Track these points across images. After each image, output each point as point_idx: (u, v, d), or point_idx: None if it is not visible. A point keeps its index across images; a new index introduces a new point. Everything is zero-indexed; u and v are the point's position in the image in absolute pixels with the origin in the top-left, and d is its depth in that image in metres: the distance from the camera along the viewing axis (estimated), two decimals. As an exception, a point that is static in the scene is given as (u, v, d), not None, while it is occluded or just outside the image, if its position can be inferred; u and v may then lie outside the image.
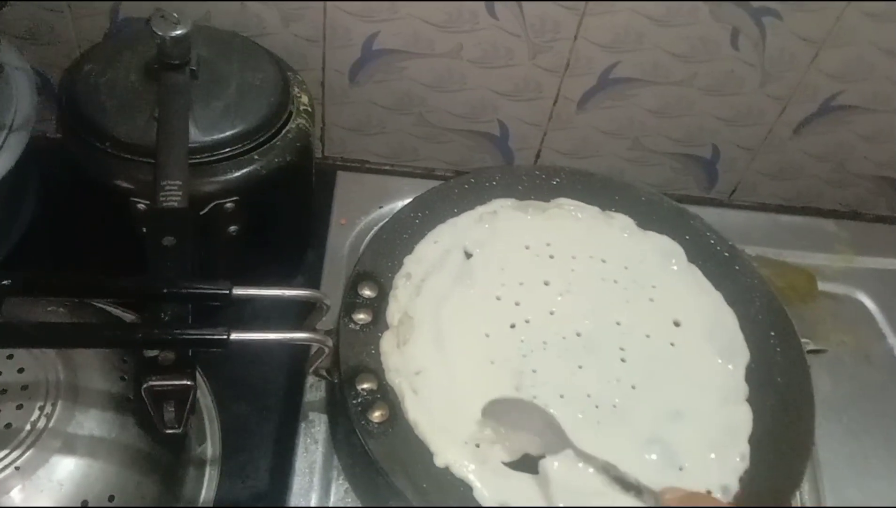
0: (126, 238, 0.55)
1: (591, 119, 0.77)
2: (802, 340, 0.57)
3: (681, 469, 0.48)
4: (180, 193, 0.52)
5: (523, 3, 0.66)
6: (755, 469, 0.49)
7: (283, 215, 0.65)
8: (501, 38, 0.69)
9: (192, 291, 0.44)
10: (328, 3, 0.66)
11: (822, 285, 0.67)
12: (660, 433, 0.48)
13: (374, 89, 0.73)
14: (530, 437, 0.49)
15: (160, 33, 0.56)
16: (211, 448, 0.56)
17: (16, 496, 0.44)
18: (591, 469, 0.47)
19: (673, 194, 0.83)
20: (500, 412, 0.49)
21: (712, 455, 0.49)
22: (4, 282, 0.40)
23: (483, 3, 0.66)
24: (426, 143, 0.79)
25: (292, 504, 0.49)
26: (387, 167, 0.80)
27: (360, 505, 0.49)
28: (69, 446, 0.46)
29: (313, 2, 0.66)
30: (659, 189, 0.83)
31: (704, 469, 0.48)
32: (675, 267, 0.57)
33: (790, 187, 0.85)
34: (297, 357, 0.55)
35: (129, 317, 0.56)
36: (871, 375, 0.62)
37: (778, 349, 0.55)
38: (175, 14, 0.56)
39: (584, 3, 0.66)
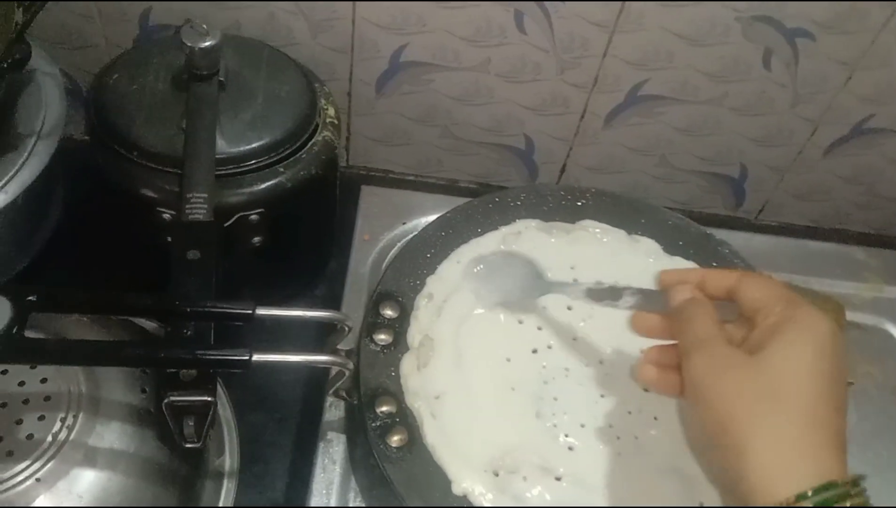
0: (151, 247, 0.56)
1: (618, 135, 0.76)
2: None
3: (700, 503, 0.47)
4: (206, 206, 0.53)
5: (553, 19, 0.66)
6: (777, 505, 0.48)
7: (307, 226, 0.65)
8: (530, 53, 0.69)
9: (215, 310, 0.44)
10: (357, 14, 0.66)
11: (850, 315, 0.65)
12: (680, 466, 0.48)
13: (400, 101, 0.73)
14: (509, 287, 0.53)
15: (189, 44, 0.56)
16: (229, 459, 0.56)
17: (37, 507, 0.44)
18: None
19: (699, 213, 0.83)
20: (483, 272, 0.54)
21: (733, 491, 0.48)
22: (30, 298, 0.40)
23: (512, 17, 0.66)
24: (451, 155, 0.79)
25: (309, 525, 0.49)
26: (410, 178, 0.80)
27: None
28: (90, 458, 0.47)
29: (341, 12, 0.66)
30: (684, 207, 0.83)
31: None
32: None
33: (818, 209, 0.84)
34: (317, 368, 0.54)
35: (152, 326, 0.56)
36: (897, 408, 0.61)
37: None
38: (205, 25, 0.56)
39: (614, 19, 0.66)
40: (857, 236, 0.84)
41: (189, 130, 0.56)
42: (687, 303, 0.43)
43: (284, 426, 0.60)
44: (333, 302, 0.62)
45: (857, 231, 0.86)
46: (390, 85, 0.72)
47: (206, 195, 0.53)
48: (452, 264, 0.56)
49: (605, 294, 0.49)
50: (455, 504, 0.46)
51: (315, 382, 0.58)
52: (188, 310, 0.43)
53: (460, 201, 0.61)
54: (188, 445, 0.47)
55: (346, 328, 0.46)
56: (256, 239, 0.59)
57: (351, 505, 0.50)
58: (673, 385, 0.42)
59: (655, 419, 0.50)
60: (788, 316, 0.39)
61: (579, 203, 0.61)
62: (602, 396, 0.51)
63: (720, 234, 0.64)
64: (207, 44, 0.57)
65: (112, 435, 0.48)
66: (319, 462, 0.51)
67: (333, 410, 0.53)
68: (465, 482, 0.46)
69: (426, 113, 0.74)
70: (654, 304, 0.46)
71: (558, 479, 0.47)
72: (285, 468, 0.58)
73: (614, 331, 0.54)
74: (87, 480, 0.46)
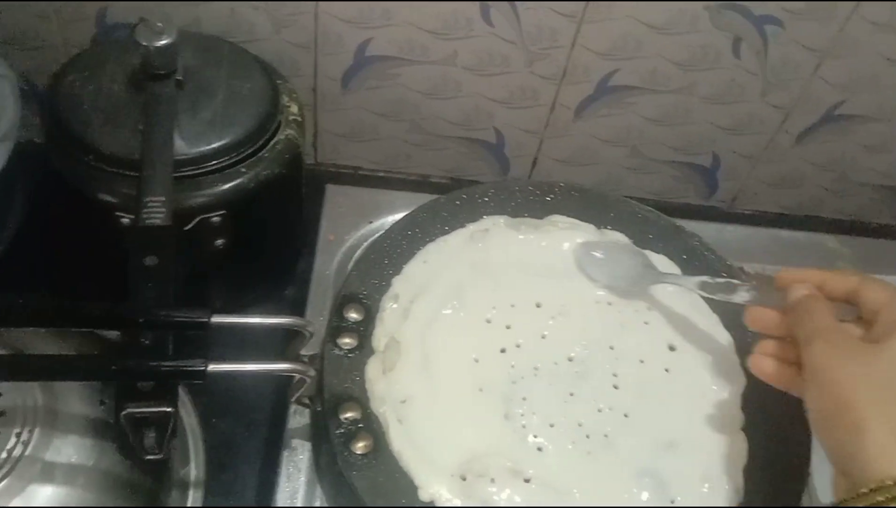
0: (111, 253, 0.54)
1: (589, 127, 0.75)
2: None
3: (672, 502, 0.47)
4: (164, 210, 0.51)
5: (519, 10, 0.65)
6: (749, 499, 0.48)
7: (272, 227, 0.64)
8: (497, 46, 0.68)
9: (169, 319, 0.43)
10: (320, 9, 0.65)
11: (822, 304, 0.65)
12: (652, 465, 0.47)
13: (367, 96, 0.72)
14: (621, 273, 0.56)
15: (144, 43, 0.55)
16: (195, 469, 0.55)
17: (-9, 525, 0.43)
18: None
19: (672, 203, 0.82)
20: (599, 259, 0.57)
21: (705, 488, 0.48)
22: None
23: (478, 9, 0.65)
24: (420, 150, 0.77)
25: (274, 534, 0.48)
26: (380, 174, 0.79)
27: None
28: (47, 473, 0.45)
29: (304, 6, 0.64)
30: (658, 197, 0.82)
31: (697, 501, 0.47)
32: (671, 288, 0.56)
33: (791, 196, 0.83)
34: (286, 379, 0.53)
35: (113, 334, 0.55)
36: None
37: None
38: (160, 23, 0.55)
39: (581, 9, 0.65)
40: (830, 223, 0.84)
41: (146, 131, 0.54)
42: (806, 297, 0.45)
43: (253, 433, 0.59)
44: (302, 304, 0.60)
45: (831, 218, 0.85)
46: (356, 80, 0.70)
47: (163, 199, 0.51)
48: (419, 263, 0.55)
49: (719, 288, 0.51)
50: (422, 510, 0.45)
51: (283, 387, 0.57)
52: (141, 320, 0.42)
53: (427, 197, 0.60)
54: (149, 457, 0.46)
55: (308, 334, 0.45)
56: (220, 241, 0.58)
57: (317, 513, 0.49)
58: (788, 379, 0.45)
59: (626, 416, 0.50)
60: None
61: (548, 198, 0.60)
62: (571, 394, 0.50)
63: (693, 224, 0.63)
64: (163, 42, 0.55)
65: (70, 449, 0.47)
66: (284, 470, 0.50)
67: (298, 417, 0.52)
68: (431, 487, 0.46)
69: (394, 108, 0.73)
70: (768, 300, 0.48)
71: (527, 481, 0.46)
72: (254, 475, 0.57)
73: (583, 329, 0.54)
74: (44, 495, 0.45)
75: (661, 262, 0.58)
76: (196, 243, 0.57)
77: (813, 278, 0.47)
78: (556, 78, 0.71)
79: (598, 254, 0.57)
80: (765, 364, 0.47)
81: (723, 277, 0.54)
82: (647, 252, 0.58)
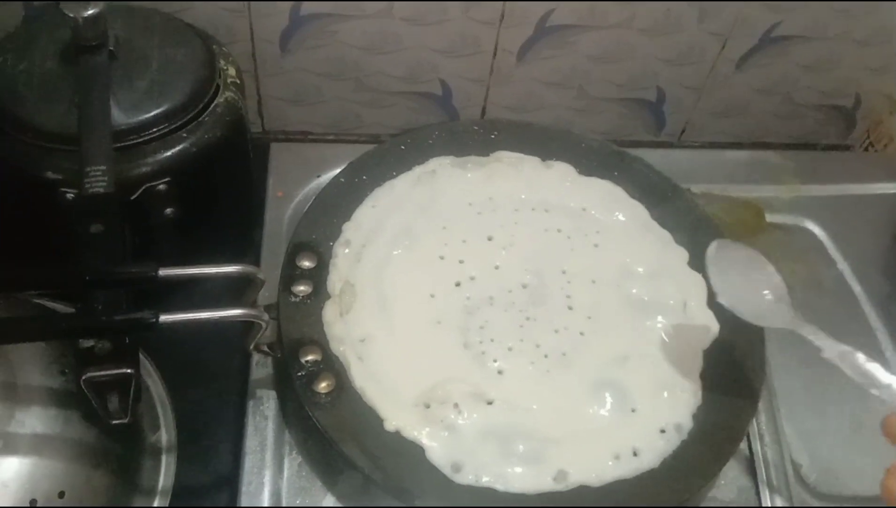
0: (60, 229, 0.54)
1: (533, 71, 0.76)
2: (752, 272, 0.57)
3: (633, 410, 0.48)
4: (105, 178, 0.51)
5: (449, -46, 0.65)
6: (707, 404, 0.49)
7: (222, 193, 0.63)
8: (432, -7, 0.68)
9: (117, 277, 0.42)
10: (247, -30, 0.64)
11: (771, 217, 0.67)
12: (609, 377, 0.48)
13: (307, 57, 0.71)
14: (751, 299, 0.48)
15: (72, 15, 0.54)
16: (166, 435, 0.55)
17: (-43, 501, 0.43)
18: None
19: (623, 140, 0.83)
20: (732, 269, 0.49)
21: (664, 394, 0.49)
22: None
23: (408, -42, 0.65)
24: (368, 108, 0.77)
25: (245, 483, 0.48)
26: (330, 137, 0.79)
27: (314, 482, 0.48)
28: (11, 446, 0.45)
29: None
30: (608, 136, 0.83)
31: (657, 408, 0.48)
32: (618, 211, 0.57)
33: (739, 124, 0.84)
34: (251, 334, 0.53)
35: (67, 310, 0.55)
36: (824, 302, 0.62)
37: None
38: (87, -7, 0.54)
39: (512, -50, 0.65)
40: (778, 148, 0.86)
41: (82, 103, 0.54)
42: None
43: (225, 397, 0.59)
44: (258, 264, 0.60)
45: (779, 143, 0.87)
46: (294, 41, 0.70)
47: (104, 167, 0.51)
48: (368, 208, 0.55)
49: (862, 373, 0.45)
50: (389, 442, 0.46)
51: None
52: (87, 279, 0.42)
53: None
54: (115, 421, 0.46)
55: (259, 281, 0.45)
56: (169, 210, 0.58)
57: (286, 460, 0.49)
58: None
59: (582, 334, 0.51)
60: None
61: (492, 136, 0.61)
62: (528, 319, 0.51)
63: (644, 153, 0.64)
64: (90, 12, 0.54)
65: (33, 420, 0.47)
66: (251, 420, 0.51)
67: (261, 368, 0.53)
68: (396, 418, 0.46)
69: (336, 67, 0.73)
70: None
71: (490, 403, 0.47)
72: (229, 435, 0.57)
73: (535, 256, 0.54)
74: (11, 468, 0.45)
75: (607, 187, 0.58)
76: (145, 213, 0.57)
77: None
78: (494, 22, 0.71)
79: (726, 263, 0.49)
80: None
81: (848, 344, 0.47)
82: (594, 179, 0.59)
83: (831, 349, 0.46)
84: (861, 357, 0.45)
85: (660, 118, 0.83)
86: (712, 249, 0.49)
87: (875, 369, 0.44)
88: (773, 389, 0.56)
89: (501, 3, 0.69)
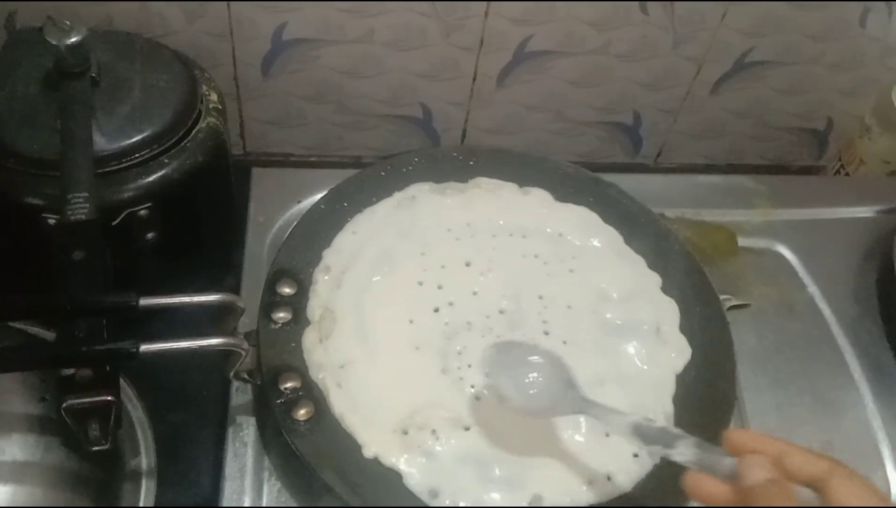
0: (40, 255, 0.54)
1: (512, 95, 0.77)
2: (723, 297, 0.59)
3: (607, 435, 0.49)
4: (88, 205, 0.51)
5: (431, -19, 0.66)
6: (680, 427, 0.50)
7: (203, 217, 0.64)
8: (413, 19, 0.69)
9: (97, 306, 0.43)
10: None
11: (743, 241, 0.68)
12: (585, 398, 0.49)
13: (289, 80, 0.72)
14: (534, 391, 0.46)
15: (54, 42, 0.55)
16: (146, 459, 0.55)
17: (-63, 530, 0.43)
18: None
19: (600, 163, 0.84)
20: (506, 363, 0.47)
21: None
22: None
23: (390, -16, 0.66)
24: (350, 131, 0.78)
25: (224, 508, 0.49)
26: (313, 159, 0.80)
27: (293, 506, 0.49)
28: (-8, 473, 0.46)
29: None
30: (586, 159, 0.84)
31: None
32: (593, 236, 0.58)
33: (714, 146, 0.86)
34: (231, 362, 0.54)
35: (45, 334, 0.55)
36: (794, 324, 0.64)
37: (698, 309, 0.56)
38: (67, 21, 0.55)
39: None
40: (753, 169, 0.87)
41: (63, 129, 0.54)
42: (768, 489, 0.37)
43: (204, 422, 0.59)
44: (239, 290, 0.61)
45: (754, 164, 0.89)
46: (276, 65, 0.71)
47: (86, 194, 0.51)
48: (348, 234, 0.56)
49: (656, 436, 0.43)
50: (367, 468, 0.46)
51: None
52: (68, 307, 0.42)
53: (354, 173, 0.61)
54: (95, 448, 0.46)
55: (239, 309, 0.46)
56: (150, 235, 0.58)
57: (266, 486, 0.50)
58: None
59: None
60: None
61: (471, 162, 0.62)
62: (505, 345, 0.52)
63: (620, 177, 0.65)
64: (73, 39, 0.55)
65: (14, 448, 0.47)
66: (230, 446, 0.51)
67: (241, 394, 0.53)
68: (374, 445, 0.47)
69: (317, 90, 0.74)
70: (713, 463, 0.40)
71: (467, 429, 0.48)
72: (208, 459, 0.57)
73: (512, 282, 0.55)
74: (-9, 495, 0.45)
75: (583, 214, 0.60)
76: (126, 239, 0.57)
77: (771, 449, 0.39)
78: (474, 48, 0.72)
79: (505, 361, 0.48)
80: None
81: (658, 424, 0.45)
82: (570, 205, 0.60)
83: (622, 424, 0.44)
84: (648, 423, 0.44)
85: (636, 141, 0.84)
86: (491, 353, 0.49)
87: (663, 430, 0.43)
88: (744, 411, 0.57)
89: (480, 29, 0.70)
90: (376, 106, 0.76)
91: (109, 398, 0.44)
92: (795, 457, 0.38)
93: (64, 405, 0.43)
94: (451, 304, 0.53)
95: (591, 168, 0.65)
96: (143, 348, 0.41)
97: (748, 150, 0.87)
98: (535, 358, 0.48)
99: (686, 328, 0.55)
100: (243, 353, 0.46)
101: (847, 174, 0.83)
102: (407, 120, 0.78)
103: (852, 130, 0.84)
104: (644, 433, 0.43)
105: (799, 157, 0.89)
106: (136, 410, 0.57)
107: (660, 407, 0.51)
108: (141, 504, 0.53)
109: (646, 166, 0.86)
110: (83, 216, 0.51)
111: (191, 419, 0.59)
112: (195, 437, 0.58)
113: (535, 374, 0.47)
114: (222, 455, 0.51)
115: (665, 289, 0.57)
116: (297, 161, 0.79)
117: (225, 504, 0.48)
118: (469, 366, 0.51)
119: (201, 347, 0.44)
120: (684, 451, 0.41)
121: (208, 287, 0.66)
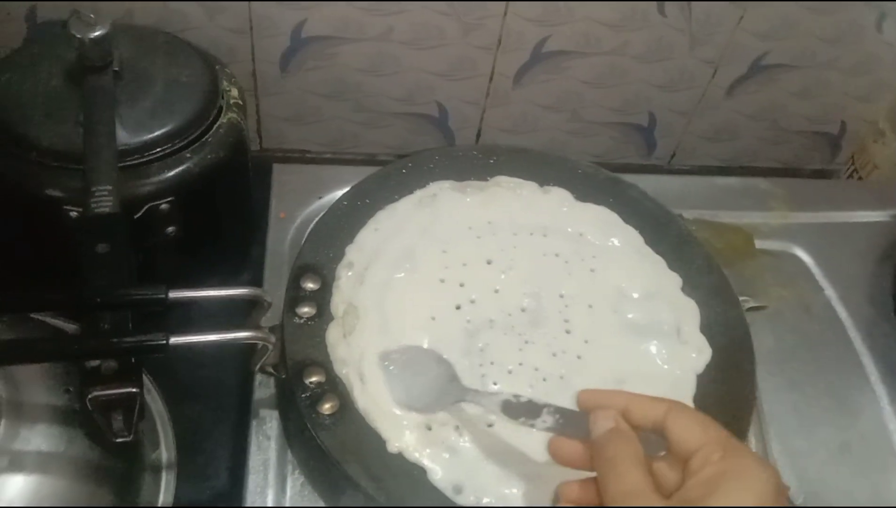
0: (63, 248, 0.54)
1: (528, 94, 0.77)
2: (742, 298, 0.59)
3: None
4: (111, 198, 0.51)
5: (451, -19, 0.66)
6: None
7: (222, 211, 0.64)
8: (431, 18, 0.69)
9: (126, 298, 0.43)
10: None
11: (760, 243, 0.68)
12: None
13: (306, 77, 0.73)
14: (421, 389, 0.48)
15: (78, 35, 0.55)
16: (166, 452, 0.55)
17: (-38, 519, 0.44)
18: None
19: (614, 163, 0.85)
20: (395, 371, 0.49)
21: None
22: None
23: (410, -17, 0.66)
24: (366, 128, 0.79)
25: (248, 502, 0.49)
26: (328, 155, 0.80)
27: (316, 502, 0.49)
28: (17, 463, 0.46)
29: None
30: (600, 159, 0.84)
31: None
32: (614, 236, 0.58)
33: (728, 148, 0.86)
34: (250, 355, 0.54)
35: (71, 328, 0.55)
36: (811, 326, 0.64)
37: (718, 310, 0.57)
38: (92, 15, 0.55)
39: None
40: (766, 172, 0.88)
41: (87, 123, 0.54)
42: (610, 438, 0.38)
43: (223, 415, 0.60)
44: (260, 283, 0.61)
45: (767, 167, 0.89)
46: (295, 62, 0.71)
47: (110, 187, 0.52)
48: (370, 231, 0.56)
49: (522, 410, 0.43)
50: (391, 463, 0.46)
51: (249, 369, 0.58)
52: (98, 300, 0.42)
53: (374, 170, 0.61)
54: (118, 440, 0.46)
55: (266, 303, 0.46)
56: (171, 229, 0.58)
57: (289, 480, 0.50)
58: None
59: (579, 357, 0.52)
60: (727, 469, 0.35)
61: (491, 161, 0.62)
62: (526, 342, 0.52)
63: (634, 178, 0.65)
64: (97, 33, 0.55)
65: (39, 438, 0.47)
66: (254, 440, 0.51)
67: (264, 388, 0.53)
68: (399, 440, 0.47)
69: (335, 88, 0.74)
70: (575, 426, 0.41)
71: (490, 426, 0.48)
72: (227, 452, 0.57)
73: (533, 280, 0.56)
74: (15, 486, 0.45)
75: (603, 213, 0.60)
76: (147, 232, 0.57)
77: (616, 402, 0.40)
78: (492, 47, 0.72)
79: (392, 368, 0.49)
80: None
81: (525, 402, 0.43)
82: (590, 204, 0.60)
83: (492, 402, 0.45)
84: (515, 399, 0.44)
85: (651, 142, 0.84)
86: (381, 361, 0.49)
87: (528, 404, 0.43)
88: (762, 412, 0.57)
89: (499, 28, 0.71)
90: (392, 104, 0.76)
91: (134, 389, 0.44)
92: (637, 406, 0.39)
93: (89, 396, 0.43)
94: (472, 301, 0.54)
95: (605, 169, 0.66)
96: (173, 340, 0.42)
97: (761, 152, 0.88)
98: (422, 359, 0.50)
99: (706, 328, 0.55)
100: (270, 347, 0.46)
101: (860, 178, 0.84)
102: (422, 118, 0.78)
103: (866, 135, 0.84)
104: (511, 409, 0.43)
105: (812, 160, 0.90)
106: (155, 403, 0.57)
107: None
108: (161, 496, 0.53)
109: (660, 168, 0.86)
110: (107, 209, 0.51)
111: (209, 413, 0.59)
112: (213, 431, 0.58)
113: (422, 376, 0.49)
114: (245, 449, 0.51)
115: (685, 290, 0.57)
116: (312, 158, 0.79)
117: (249, 497, 0.49)
118: (491, 363, 0.51)
119: (231, 340, 0.44)
120: (547, 419, 0.42)
121: (227, 282, 0.66)
